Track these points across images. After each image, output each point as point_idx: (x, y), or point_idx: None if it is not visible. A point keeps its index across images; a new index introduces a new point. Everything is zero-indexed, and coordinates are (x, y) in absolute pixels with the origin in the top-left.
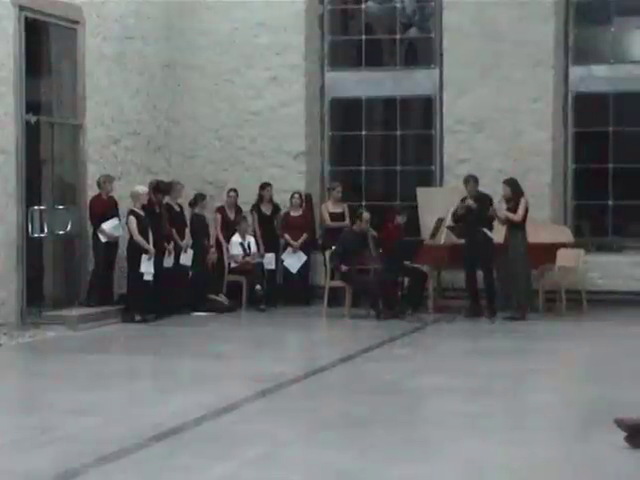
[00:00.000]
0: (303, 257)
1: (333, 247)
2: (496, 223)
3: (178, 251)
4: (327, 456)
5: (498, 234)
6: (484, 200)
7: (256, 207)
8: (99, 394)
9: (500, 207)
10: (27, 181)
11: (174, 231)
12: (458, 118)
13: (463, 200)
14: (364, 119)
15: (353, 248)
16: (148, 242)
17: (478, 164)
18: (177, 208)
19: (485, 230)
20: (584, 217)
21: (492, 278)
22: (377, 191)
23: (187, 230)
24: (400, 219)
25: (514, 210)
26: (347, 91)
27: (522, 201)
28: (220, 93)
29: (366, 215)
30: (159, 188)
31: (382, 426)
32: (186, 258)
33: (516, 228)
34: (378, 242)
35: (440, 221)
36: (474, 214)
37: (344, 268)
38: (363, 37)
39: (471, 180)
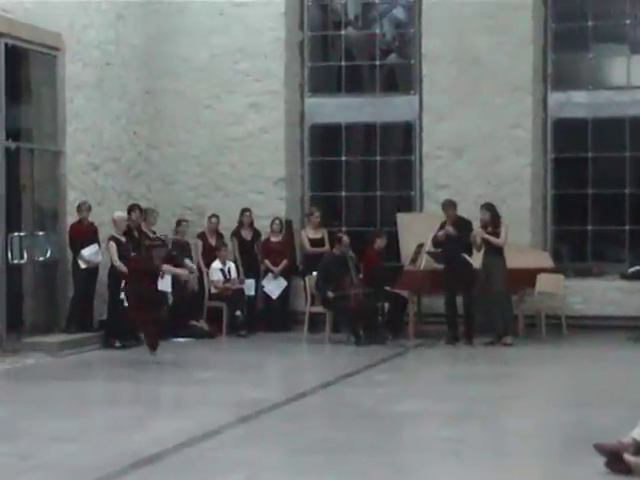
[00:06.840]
0: (283, 283)
1: (314, 273)
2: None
3: None
4: None
5: (476, 260)
6: (464, 225)
7: (236, 233)
8: (79, 421)
9: (478, 232)
10: (7, 207)
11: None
12: (437, 144)
13: (443, 225)
14: (344, 145)
15: (334, 272)
16: None
17: (458, 190)
18: (151, 235)
19: (465, 255)
20: (564, 242)
21: (471, 303)
22: (357, 217)
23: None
24: (380, 242)
25: (494, 234)
26: (327, 117)
27: (503, 225)
28: (200, 119)
29: (345, 239)
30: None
31: (363, 451)
32: (164, 284)
33: (496, 253)
34: (358, 267)
35: (420, 247)
36: (454, 239)
37: (330, 295)
38: (343, 63)
39: (449, 205)
